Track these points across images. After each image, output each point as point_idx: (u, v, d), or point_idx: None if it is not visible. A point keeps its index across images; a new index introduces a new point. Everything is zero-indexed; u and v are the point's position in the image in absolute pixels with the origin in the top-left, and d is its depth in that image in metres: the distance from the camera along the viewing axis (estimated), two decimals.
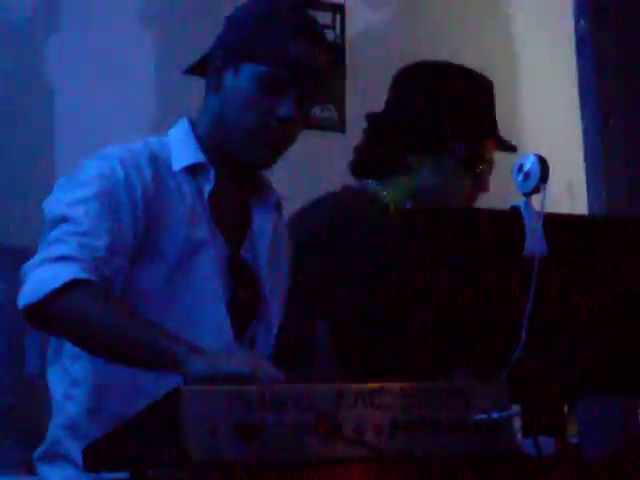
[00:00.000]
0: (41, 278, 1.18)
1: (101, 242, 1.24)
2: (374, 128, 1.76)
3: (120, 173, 1.29)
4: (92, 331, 1.20)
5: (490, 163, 1.76)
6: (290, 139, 1.39)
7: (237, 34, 1.38)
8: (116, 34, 2.46)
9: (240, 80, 1.35)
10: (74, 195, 1.28)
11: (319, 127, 2.47)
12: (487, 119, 1.74)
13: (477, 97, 1.73)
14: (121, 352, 1.19)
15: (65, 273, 1.17)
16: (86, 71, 2.41)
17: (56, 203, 1.29)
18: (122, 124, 2.35)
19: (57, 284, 1.16)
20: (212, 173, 1.36)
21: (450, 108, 1.69)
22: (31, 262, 1.23)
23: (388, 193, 1.72)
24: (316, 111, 2.46)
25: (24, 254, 1.32)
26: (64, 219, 1.25)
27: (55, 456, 1.32)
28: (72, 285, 1.17)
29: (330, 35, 2.58)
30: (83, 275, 1.18)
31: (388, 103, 1.78)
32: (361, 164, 1.77)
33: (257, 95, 1.34)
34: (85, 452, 1.01)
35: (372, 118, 1.78)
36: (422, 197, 1.71)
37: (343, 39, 2.66)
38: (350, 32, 2.68)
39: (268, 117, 1.34)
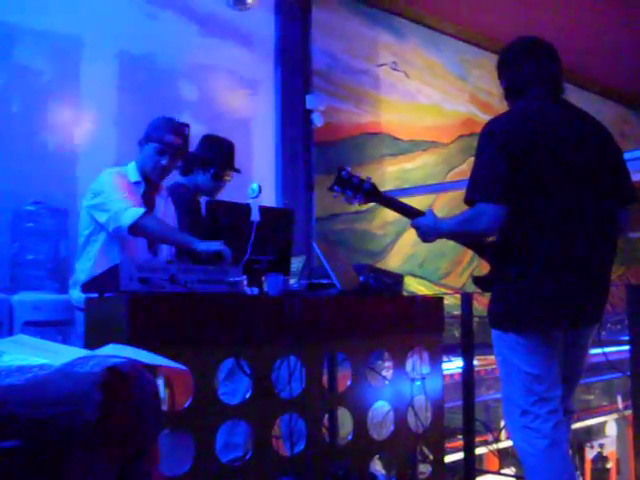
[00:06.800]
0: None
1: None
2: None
3: (121, 177, 3.19)
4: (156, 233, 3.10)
5: (228, 177, 3.79)
6: (169, 172, 3.31)
7: (148, 130, 3.27)
8: None
9: (149, 148, 3.24)
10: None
11: None
12: (223, 163, 3.73)
13: (218, 154, 3.74)
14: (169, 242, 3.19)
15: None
16: None
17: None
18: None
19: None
20: (143, 184, 3.27)
21: (203, 158, 3.71)
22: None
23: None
24: None
25: None
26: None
27: None
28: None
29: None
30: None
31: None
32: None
33: (155, 155, 3.23)
34: None
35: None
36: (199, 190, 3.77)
37: None
38: None
39: (159, 165, 3.23)
